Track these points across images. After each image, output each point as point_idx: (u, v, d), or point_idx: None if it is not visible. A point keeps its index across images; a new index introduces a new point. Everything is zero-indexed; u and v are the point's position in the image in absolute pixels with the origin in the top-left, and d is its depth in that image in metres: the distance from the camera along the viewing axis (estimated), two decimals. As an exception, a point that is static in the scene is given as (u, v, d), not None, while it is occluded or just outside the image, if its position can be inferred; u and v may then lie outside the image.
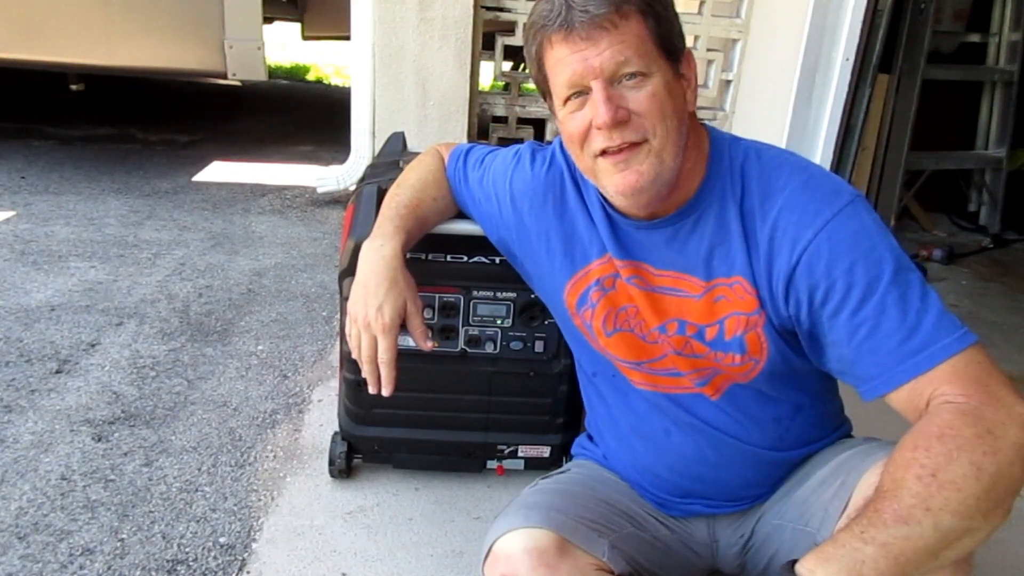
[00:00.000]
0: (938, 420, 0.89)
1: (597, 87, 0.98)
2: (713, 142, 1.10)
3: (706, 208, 1.08)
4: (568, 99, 1.03)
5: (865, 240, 1.00)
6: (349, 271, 1.43)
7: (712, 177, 1.08)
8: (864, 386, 1.00)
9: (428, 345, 1.25)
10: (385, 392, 1.21)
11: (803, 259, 1.01)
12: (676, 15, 1.04)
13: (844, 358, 1.01)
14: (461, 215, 1.41)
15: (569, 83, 1.01)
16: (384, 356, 1.19)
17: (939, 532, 0.83)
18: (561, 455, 1.61)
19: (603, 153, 1.02)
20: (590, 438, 1.36)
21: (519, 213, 1.24)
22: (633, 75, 0.99)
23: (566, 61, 1.00)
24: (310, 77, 7.13)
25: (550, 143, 1.23)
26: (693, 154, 1.08)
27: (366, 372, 1.21)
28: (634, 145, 1.01)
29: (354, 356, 1.22)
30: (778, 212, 1.03)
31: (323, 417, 1.91)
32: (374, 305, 1.19)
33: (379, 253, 1.23)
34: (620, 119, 0.99)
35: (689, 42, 3.37)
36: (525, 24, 1.07)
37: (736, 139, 1.12)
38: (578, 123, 1.02)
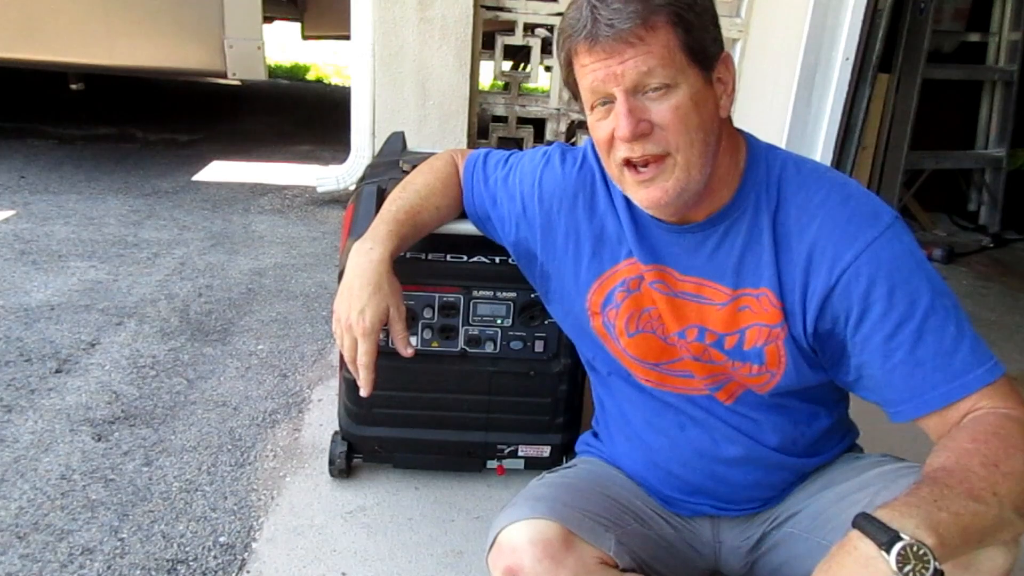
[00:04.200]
0: (990, 420, 0.92)
1: (620, 98, 0.98)
2: (750, 149, 1.09)
3: (739, 216, 1.07)
4: (594, 106, 1.03)
5: (905, 265, 1.00)
6: (349, 271, 1.43)
7: (747, 186, 1.07)
8: (894, 408, 1.02)
9: (408, 352, 1.26)
10: (363, 393, 1.23)
11: (842, 280, 1.01)
12: (714, 19, 1.02)
13: (874, 380, 1.02)
14: (463, 215, 1.41)
15: (593, 90, 1.01)
16: (363, 359, 1.21)
17: (1000, 517, 0.84)
18: (561, 455, 1.62)
19: (628, 163, 1.02)
20: (595, 436, 1.36)
21: (547, 212, 1.23)
22: (658, 87, 0.97)
23: (590, 68, 1.00)
24: (310, 77, 7.12)
25: (574, 144, 1.23)
26: (726, 161, 1.07)
27: (352, 371, 1.23)
28: (658, 158, 1.00)
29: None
30: (817, 229, 1.03)
31: (323, 417, 1.91)
32: (356, 308, 1.20)
33: (367, 256, 1.23)
34: (641, 132, 0.98)
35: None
36: (557, 27, 1.07)
37: (773, 148, 1.11)
38: (604, 131, 1.02)
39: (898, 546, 0.76)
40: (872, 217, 1.02)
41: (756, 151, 1.10)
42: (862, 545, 0.79)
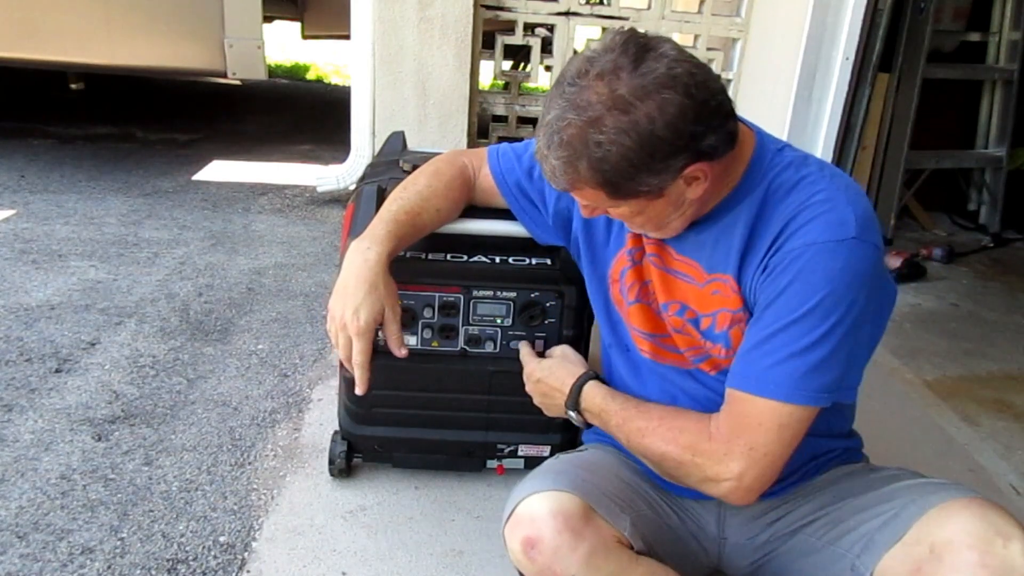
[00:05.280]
0: (695, 419, 1.11)
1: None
2: (757, 148, 1.10)
3: (732, 209, 1.10)
4: None
5: (818, 276, 1.01)
6: (349, 270, 1.43)
7: (745, 186, 1.09)
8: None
9: (402, 352, 1.27)
10: (358, 391, 1.25)
11: (774, 259, 1.04)
12: (650, 160, 0.97)
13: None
14: (463, 214, 1.41)
15: None
16: (358, 358, 1.21)
17: (623, 435, 1.18)
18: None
19: None
20: None
21: None
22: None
23: None
24: (310, 76, 7.12)
25: None
26: (723, 177, 1.08)
27: (348, 368, 1.24)
28: None
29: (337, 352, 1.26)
30: (784, 224, 1.05)
31: (323, 416, 1.91)
32: (351, 307, 1.21)
33: (363, 256, 1.23)
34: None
35: (689, 41, 3.39)
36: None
37: (783, 150, 1.11)
38: None
39: (571, 407, 1.27)
40: (835, 225, 1.01)
41: (762, 151, 1.10)
42: (561, 390, 1.29)
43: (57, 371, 2.01)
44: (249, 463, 1.72)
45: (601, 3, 3.41)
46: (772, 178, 1.08)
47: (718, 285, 1.11)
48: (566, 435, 1.60)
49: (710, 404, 1.18)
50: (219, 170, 3.95)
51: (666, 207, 1.05)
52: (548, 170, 1.04)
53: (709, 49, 3.33)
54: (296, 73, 7.10)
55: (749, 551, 1.24)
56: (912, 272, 3.25)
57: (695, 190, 1.04)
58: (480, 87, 3.39)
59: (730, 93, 3.31)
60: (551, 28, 3.28)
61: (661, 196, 1.03)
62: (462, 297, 1.49)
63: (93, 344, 2.16)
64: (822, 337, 1.00)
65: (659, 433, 1.11)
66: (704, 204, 1.09)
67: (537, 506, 1.06)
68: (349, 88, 3.29)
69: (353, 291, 1.22)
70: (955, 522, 0.98)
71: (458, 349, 1.53)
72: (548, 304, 1.50)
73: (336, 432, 1.65)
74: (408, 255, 1.45)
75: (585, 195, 1.06)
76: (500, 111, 3.40)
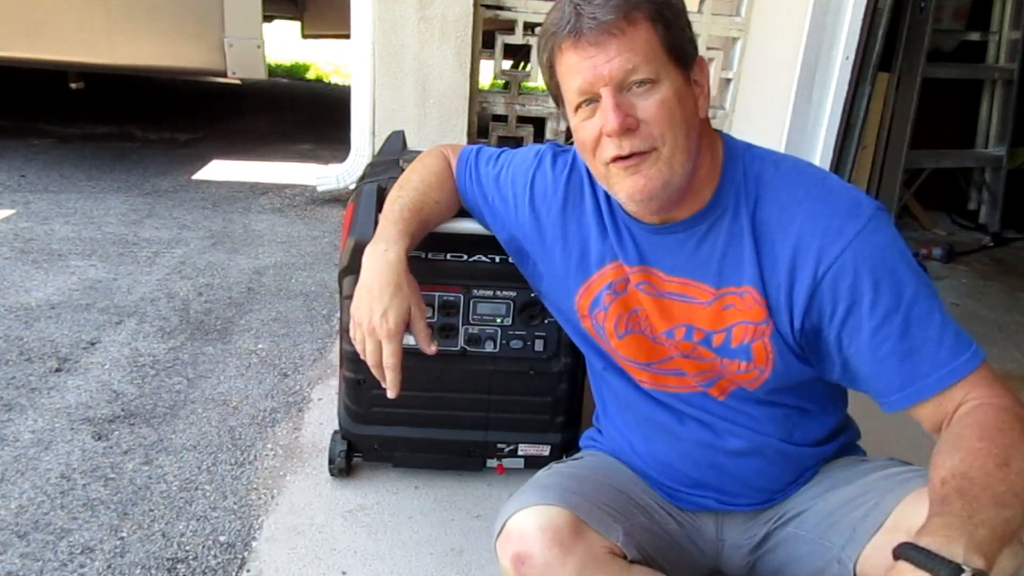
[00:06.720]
0: (990, 415, 0.95)
1: (606, 94, 0.99)
2: (727, 149, 1.10)
3: (720, 216, 1.08)
4: (579, 106, 1.03)
5: (888, 256, 1.01)
6: (349, 270, 1.43)
7: (726, 185, 1.08)
8: (885, 399, 1.03)
9: (431, 349, 1.25)
10: (390, 395, 1.21)
11: (829, 275, 1.02)
12: (688, 23, 1.04)
13: (863, 372, 1.04)
14: (461, 213, 1.41)
15: (580, 90, 1.01)
16: (389, 361, 1.20)
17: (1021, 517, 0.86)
18: (561, 454, 1.61)
19: (614, 160, 1.03)
20: (600, 432, 1.37)
21: (537, 214, 1.23)
22: (642, 82, 0.99)
23: (576, 68, 1.00)
24: (310, 76, 7.13)
25: (570, 144, 1.23)
26: (706, 160, 1.08)
27: (376, 375, 1.21)
28: (643, 153, 1.01)
29: (363, 358, 1.22)
30: (800, 227, 1.04)
31: (323, 416, 1.91)
32: (379, 311, 1.19)
33: (383, 258, 1.22)
34: (628, 126, 0.99)
35: (689, 41, 3.38)
36: (538, 32, 1.08)
37: (751, 147, 1.12)
38: (589, 131, 1.03)
39: None
40: (854, 210, 1.03)
41: (734, 150, 1.11)
42: None
43: (57, 371, 2.01)
44: (249, 463, 1.72)
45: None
46: (755, 177, 1.08)
47: (732, 299, 1.09)
48: (566, 434, 1.60)
49: (718, 430, 1.17)
50: (219, 170, 3.95)
51: (687, 101, 1.02)
52: (597, 2, 0.98)
53: (709, 48, 3.33)
54: (296, 73, 7.11)
55: (746, 550, 1.24)
56: (912, 271, 3.24)
57: (703, 103, 1.05)
58: (480, 86, 3.39)
59: (730, 93, 3.34)
60: (551, 27, 3.28)
61: (689, 81, 1.03)
62: (462, 296, 1.49)
63: (93, 344, 2.16)
64: (938, 300, 1.02)
65: (1010, 442, 0.91)
66: (694, 184, 1.07)
67: (526, 521, 1.06)
68: (349, 88, 3.29)
69: (379, 294, 1.19)
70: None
71: (458, 348, 1.53)
72: (548, 304, 1.50)
73: (336, 431, 1.65)
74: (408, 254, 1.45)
75: (636, 33, 0.98)
76: (500, 110, 3.40)
